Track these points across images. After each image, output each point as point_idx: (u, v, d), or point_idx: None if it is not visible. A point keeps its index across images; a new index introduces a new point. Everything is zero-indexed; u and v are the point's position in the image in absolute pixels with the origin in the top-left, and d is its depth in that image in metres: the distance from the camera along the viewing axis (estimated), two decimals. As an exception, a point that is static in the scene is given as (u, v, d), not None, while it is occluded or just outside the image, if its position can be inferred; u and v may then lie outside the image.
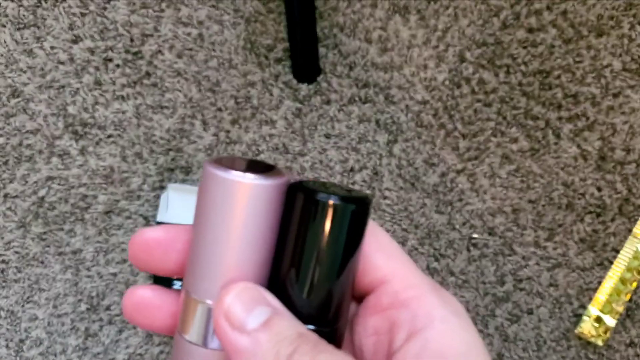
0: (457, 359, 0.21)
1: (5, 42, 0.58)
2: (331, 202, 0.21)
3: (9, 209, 0.59)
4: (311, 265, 0.22)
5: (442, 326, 0.21)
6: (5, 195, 0.59)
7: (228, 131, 0.59)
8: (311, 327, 0.21)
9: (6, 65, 0.58)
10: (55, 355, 0.60)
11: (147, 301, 0.23)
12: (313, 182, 0.22)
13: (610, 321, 0.58)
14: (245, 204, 0.20)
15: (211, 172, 0.20)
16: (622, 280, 0.58)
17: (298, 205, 0.21)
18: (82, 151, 0.59)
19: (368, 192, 0.59)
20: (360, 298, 0.24)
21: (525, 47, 0.59)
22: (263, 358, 0.19)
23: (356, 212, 0.21)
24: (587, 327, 0.58)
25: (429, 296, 0.22)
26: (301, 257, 0.22)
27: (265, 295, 0.21)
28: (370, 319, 0.23)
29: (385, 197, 0.59)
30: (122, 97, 0.59)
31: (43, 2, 0.58)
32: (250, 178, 0.20)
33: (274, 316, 0.20)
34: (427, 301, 0.22)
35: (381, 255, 0.23)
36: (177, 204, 0.56)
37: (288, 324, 0.20)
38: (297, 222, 0.21)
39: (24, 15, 0.58)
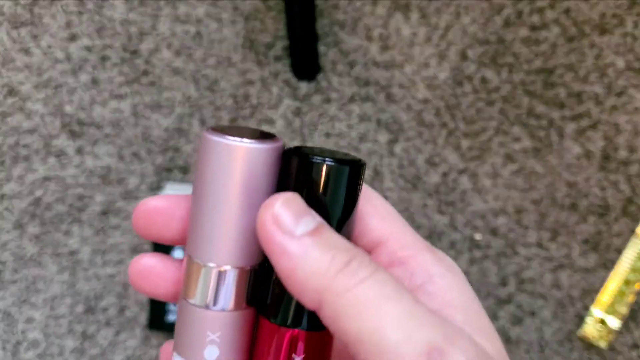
0: (462, 310, 0.21)
1: (2, 40, 0.58)
2: (326, 164, 0.21)
3: (6, 209, 0.58)
4: None
5: (441, 281, 0.22)
6: (2, 196, 0.58)
7: (227, 130, 0.58)
8: None
9: (3, 64, 0.58)
10: (53, 357, 0.59)
11: (150, 269, 0.24)
12: (308, 147, 0.23)
13: (614, 323, 0.57)
14: (243, 166, 0.22)
15: (210, 139, 0.22)
16: (626, 282, 0.57)
17: (293, 168, 0.22)
18: (79, 151, 0.58)
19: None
20: None
21: (527, 46, 0.58)
22: (316, 262, 0.19)
23: (350, 173, 0.22)
24: (590, 329, 0.57)
25: (425, 254, 0.23)
26: None
27: (309, 208, 0.21)
28: None
29: (386, 197, 0.59)
30: (120, 95, 0.58)
31: (40, 0, 0.58)
32: (247, 142, 0.21)
33: (321, 227, 0.20)
34: (423, 259, 0.23)
35: (376, 218, 0.24)
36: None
37: (338, 236, 0.20)
38: (293, 185, 0.22)
39: (20, 14, 0.58)
